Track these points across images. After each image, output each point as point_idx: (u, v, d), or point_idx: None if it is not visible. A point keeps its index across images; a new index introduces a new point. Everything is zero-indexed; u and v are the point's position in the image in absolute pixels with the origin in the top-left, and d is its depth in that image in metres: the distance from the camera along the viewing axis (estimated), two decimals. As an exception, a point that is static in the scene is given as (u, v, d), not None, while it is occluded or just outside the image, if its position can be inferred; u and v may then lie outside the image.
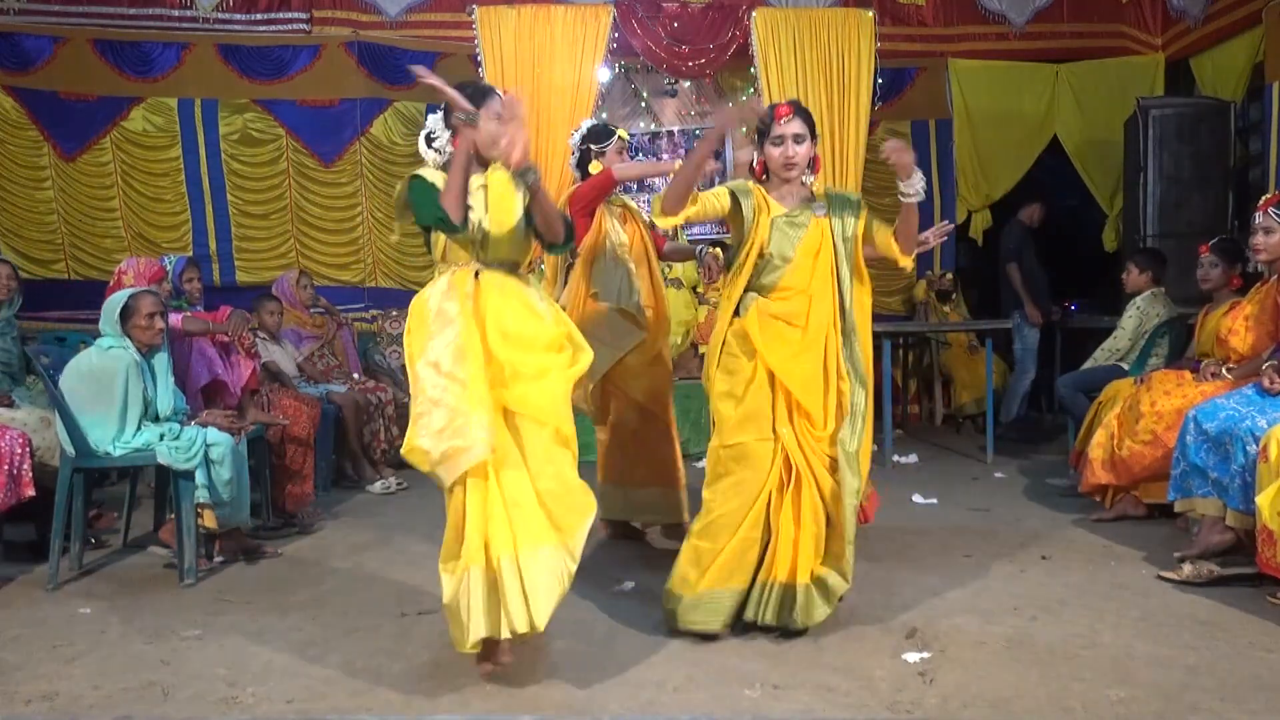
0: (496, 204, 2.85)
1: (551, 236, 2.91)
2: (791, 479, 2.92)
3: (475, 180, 2.85)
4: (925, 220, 7.95)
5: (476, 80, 3.13)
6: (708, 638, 2.91)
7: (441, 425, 2.58)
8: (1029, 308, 6.39)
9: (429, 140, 2.97)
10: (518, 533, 2.57)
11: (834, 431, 2.97)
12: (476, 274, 2.76)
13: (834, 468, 2.94)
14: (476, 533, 2.56)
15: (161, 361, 3.90)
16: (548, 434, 2.67)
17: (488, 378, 2.65)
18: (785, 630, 2.91)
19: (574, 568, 2.63)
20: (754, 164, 3.17)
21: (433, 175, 2.81)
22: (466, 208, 2.71)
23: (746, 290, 3.06)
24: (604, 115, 7.34)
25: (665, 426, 4.01)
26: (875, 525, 4.22)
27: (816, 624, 2.91)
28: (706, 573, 2.93)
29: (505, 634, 2.55)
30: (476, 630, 2.53)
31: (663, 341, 4.12)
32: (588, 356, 2.82)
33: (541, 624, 2.55)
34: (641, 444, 3.97)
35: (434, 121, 2.95)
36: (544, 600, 2.56)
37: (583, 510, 2.67)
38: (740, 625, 2.96)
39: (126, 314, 3.78)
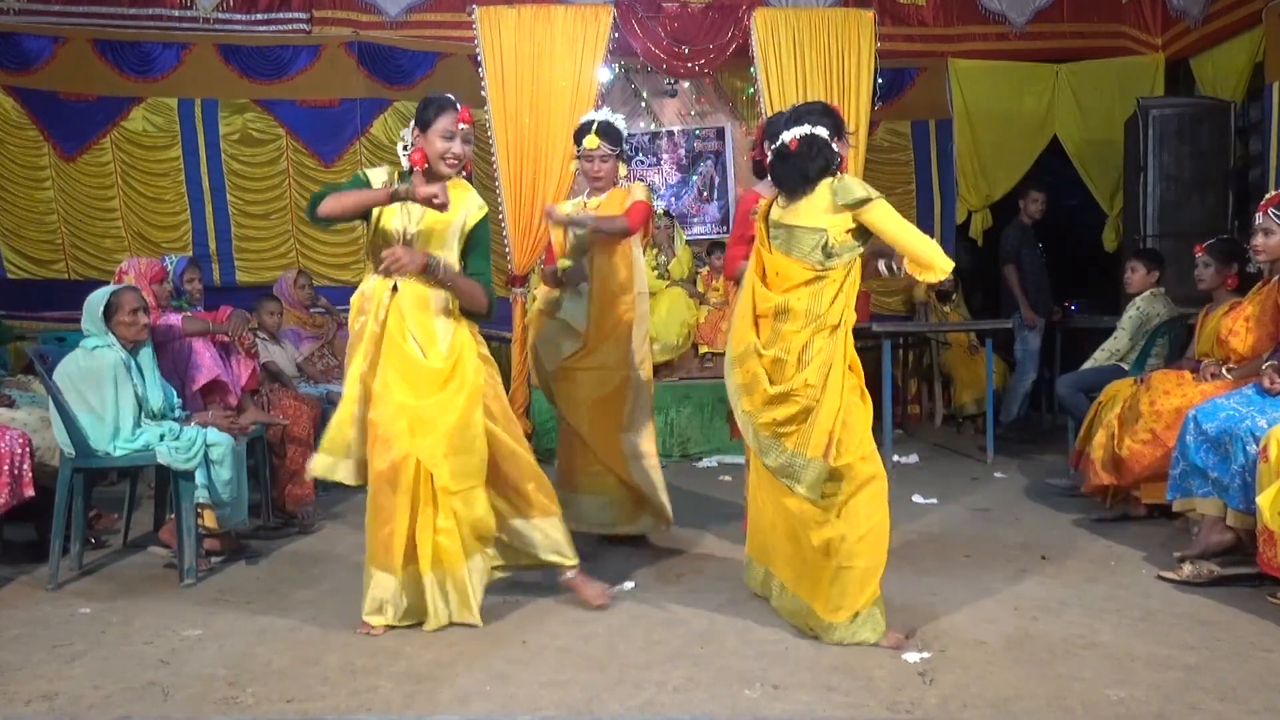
0: (434, 217, 3.02)
1: (475, 308, 3.14)
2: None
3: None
4: (926, 222, 8.03)
5: (441, 95, 3.10)
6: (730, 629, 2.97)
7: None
8: (1024, 310, 6.39)
9: (405, 149, 3.12)
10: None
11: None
12: (394, 287, 3.02)
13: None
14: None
15: (147, 357, 3.87)
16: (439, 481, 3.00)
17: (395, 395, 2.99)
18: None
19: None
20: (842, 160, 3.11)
21: (372, 174, 3.03)
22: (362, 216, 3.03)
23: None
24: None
25: (607, 434, 3.93)
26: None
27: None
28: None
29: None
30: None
31: (606, 347, 3.93)
32: (479, 375, 3.06)
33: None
34: (578, 450, 3.96)
35: (406, 134, 3.10)
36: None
37: None
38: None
39: (110, 311, 3.75)
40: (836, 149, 2.96)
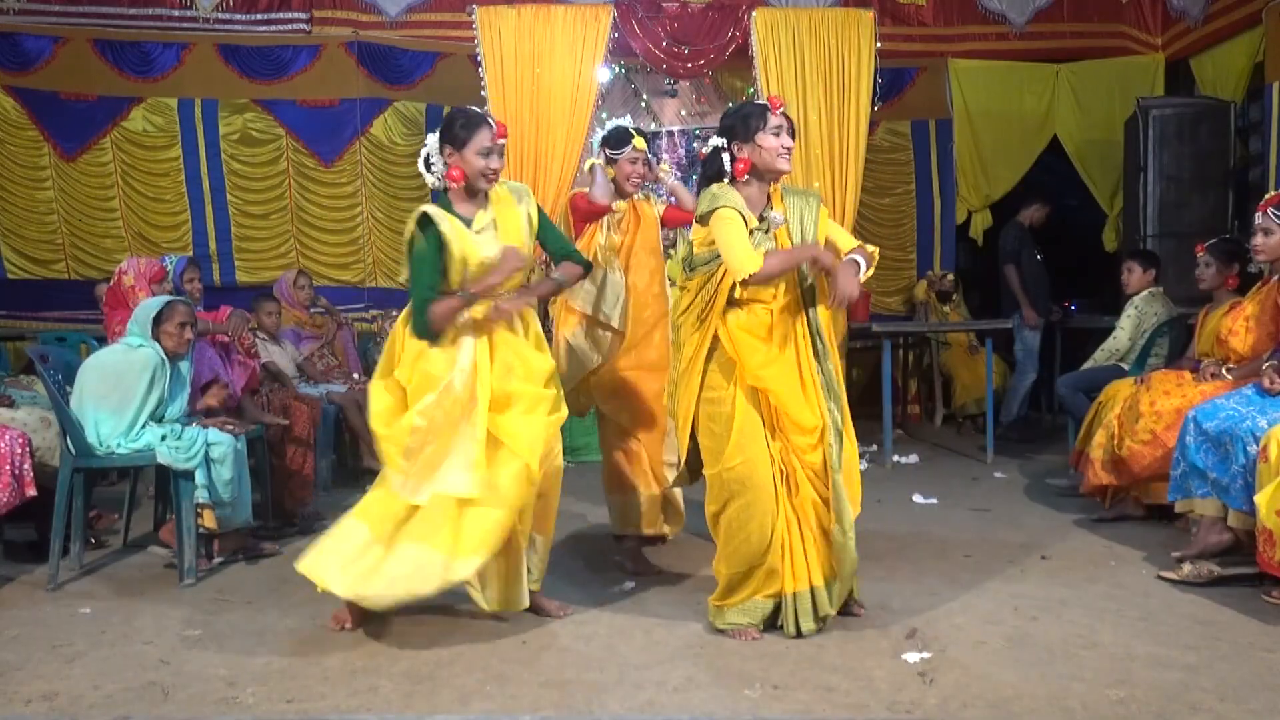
0: (507, 237, 3.03)
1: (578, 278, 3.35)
2: (788, 485, 2.91)
3: (482, 217, 3.03)
4: (926, 222, 8.03)
5: (468, 110, 3.09)
6: (722, 634, 2.95)
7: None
8: (1025, 310, 6.39)
9: (428, 164, 3.09)
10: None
11: (821, 439, 2.91)
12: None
13: (827, 484, 2.90)
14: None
15: (183, 370, 3.94)
16: (518, 465, 2.91)
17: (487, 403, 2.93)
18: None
19: (452, 579, 2.87)
20: (733, 165, 3.01)
21: (440, 219, 2.91)
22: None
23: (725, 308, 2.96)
24: (605, 115, 7.35)
25: (653, 438, 3.87)
26: (875, 525, 4.23)
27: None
28: (738, 591, 2.95)
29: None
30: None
31: (643, 347, 3.91)
32: (564, 410, 3.10)
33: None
34: (622, 452, 3.88)
35: (432, 143, 3.07)
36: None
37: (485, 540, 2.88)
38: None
39: (159, 319, 3.82)
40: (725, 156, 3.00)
